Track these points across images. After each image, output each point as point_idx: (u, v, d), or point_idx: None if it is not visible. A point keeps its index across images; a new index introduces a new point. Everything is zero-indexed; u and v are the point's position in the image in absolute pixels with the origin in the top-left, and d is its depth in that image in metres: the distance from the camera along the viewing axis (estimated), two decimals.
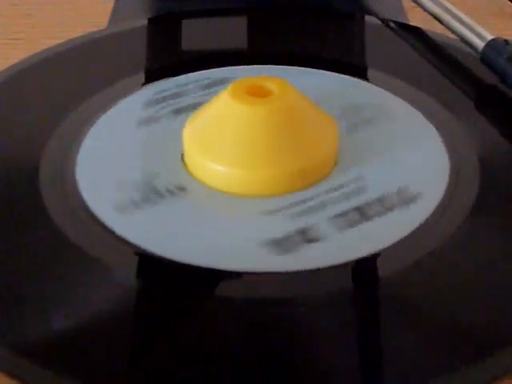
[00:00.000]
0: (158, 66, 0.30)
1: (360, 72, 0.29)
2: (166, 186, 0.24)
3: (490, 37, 0.29)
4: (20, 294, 0.21)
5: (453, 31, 0.30)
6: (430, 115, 0.27)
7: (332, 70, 0.29)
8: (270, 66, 0.29)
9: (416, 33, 0.32)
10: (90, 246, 0.22)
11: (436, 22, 0.31)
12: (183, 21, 0.33)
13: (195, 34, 0.32)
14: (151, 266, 0.22)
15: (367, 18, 0.33)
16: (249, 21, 0.33)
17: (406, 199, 0.23)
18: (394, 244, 0.22)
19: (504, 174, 0.25)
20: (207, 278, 0.21)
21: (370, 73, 0.29)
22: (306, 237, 0.22)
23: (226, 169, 0.24)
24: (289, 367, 0.19)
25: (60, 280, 0.22)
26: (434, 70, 0.30)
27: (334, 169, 0.24)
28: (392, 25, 0.32)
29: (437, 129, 0.26)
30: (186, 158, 0.25)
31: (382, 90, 0.28)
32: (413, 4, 0.33)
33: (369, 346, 0.20)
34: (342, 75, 0.29)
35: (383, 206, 0.23)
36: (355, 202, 0.23)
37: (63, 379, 0.19)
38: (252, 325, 0.20)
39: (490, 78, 0.29)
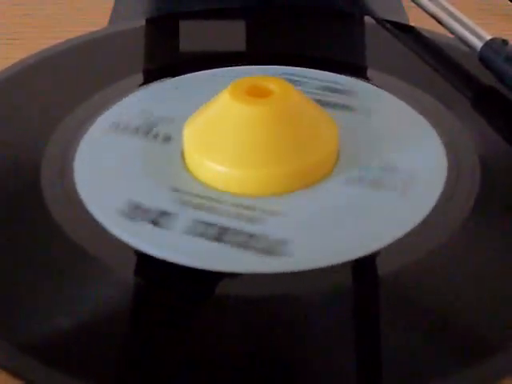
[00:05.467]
0: (157, 66, 0.30)
1: (359, 72, 0.29)
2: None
3: (488, 37, 0.29)
4: (20, 293, 0.21)
5: (451, 31, 0.30)
6: (428, 115, 0.27)
7: (331, 70, 0.29)
8: (269, 66, 0.29)
9: (415, 33, 0.32)
10: (90, 246, 0.22)
11: (435, 22, 0.31)
12: (181, 21, 0.33)
13: (194, 34, 0.32)
14: (150, 265, 0.22)
15: (367, 18, 0.33)
16: (248, 21, 0.33)
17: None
18: (393, 243, 0.22)
19: (504, 173, 0.25)
20: (206, 279, 0.21)
21: (370, 72, 0.29)
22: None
23: (226, 169, 0.24)
24: (288, 367, 0.19)
25: (60, 279, 0.22)
26: (432, 69, 0.30)
27: (334, 169, 0.25)
28: (391, 25, 0.32)
29: (435, 128, 0.26)
30: (186, 158, 0.25)
31: (381, 90, 0.28)
32: (413, 4, 0.33)
33: (369, 345, 0.20)
34: (341, 75, 0.29)
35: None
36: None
37: (62, 378, 0.19)
38: (252, 324, 0.20)
39: (489, 77, 0.29)
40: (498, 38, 0.29)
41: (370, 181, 0.24)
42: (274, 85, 0.25)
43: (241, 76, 0.25)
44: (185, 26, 0.32)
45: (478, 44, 0.29)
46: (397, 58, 0.31)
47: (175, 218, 0.23)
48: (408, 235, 0.22)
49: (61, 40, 0.32)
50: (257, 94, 0.24)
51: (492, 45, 0.28)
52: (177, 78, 0.29)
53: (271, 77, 0.25)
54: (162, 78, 0.29)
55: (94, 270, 0.22)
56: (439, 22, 0.31)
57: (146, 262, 0.22)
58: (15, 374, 0.19)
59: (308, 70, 0.29)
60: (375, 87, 0.28)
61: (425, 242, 0.22)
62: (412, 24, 0.33)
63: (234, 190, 0.24)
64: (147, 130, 0.26)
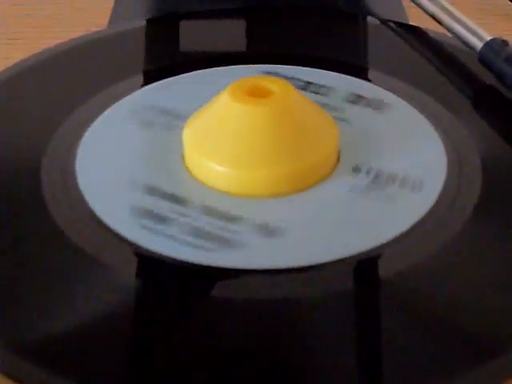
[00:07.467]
0: (157, 66, 0.30)
1: (360, 71, 0.29)
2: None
3: (488, 37, 0.29)
4: (20, 293, 0.21)
5: (451, 31, 0.30)
6: (429, 115, 0.27)
7: (331, 70, 0.29)
8: (270, 66, 0.29)
9: (416, 32, 0.32)
10: (90, 246, 0.22)
11: (435, 22, 0.31)
12: (181, 21, 0.33)
13: (194, 34, 0.32)
14: (151, 266, 0.22)
15: (367, 17, 0.33)
16: (248, 21, 0.33)
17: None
18: (393, 244, 0.22)
19: (504, 173, 0.25)
20: (207, 278, 0.22)
21: (370, 72, 0.30)
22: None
23: (226, 169, 0.24)
24: (287, 367, 0.19)
25: (60, 280, 0.22)
26: (433, 69, 0.30)
27: (334, 169, 0.25)
28: (392, 24, 0.32)
29: (436, 128, 0.26)
30: (187, 159, 0.25)
31: (382, 90, 0.28)
32: (412, 4, 0.33)
33: (369, 346, 0.20)
34: (342, 75, 0.29)
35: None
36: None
37: (62, 380, 0.19)
38: (252, 325, 0.20)
39: (489, 77, 0.29)
40: (498, 38, 0.29)
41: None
42: (274, 85, 0.25)
43: (241, 76, 0.25)
44: (185, 26, 0.33)
45: (478, 44, 0.29)
46: (396, 58, 0.31)
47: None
48: (408, 236, 0.22)
49: (61, 40, 0.32)
50: (257, 94, 0.24)
51: (492, 45, 0.28)
52: (177, 77, 0.29)
53: (271, 77, 0.25)
54: (162, 78, 0.29)
55: (95, 270, 0.22)
56: (439, 22, 0.31)
57: (147, 262, 0.22)
58: (13, 377, 0.19)
59: (306, 69, 0.29)
60: (375, 87, 0.28)
61: (425, 243, 0.22)
62: (412, 24, 0.33)
63: (233, 190, 0.24)
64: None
